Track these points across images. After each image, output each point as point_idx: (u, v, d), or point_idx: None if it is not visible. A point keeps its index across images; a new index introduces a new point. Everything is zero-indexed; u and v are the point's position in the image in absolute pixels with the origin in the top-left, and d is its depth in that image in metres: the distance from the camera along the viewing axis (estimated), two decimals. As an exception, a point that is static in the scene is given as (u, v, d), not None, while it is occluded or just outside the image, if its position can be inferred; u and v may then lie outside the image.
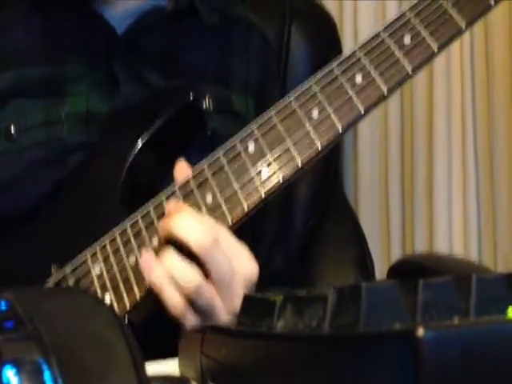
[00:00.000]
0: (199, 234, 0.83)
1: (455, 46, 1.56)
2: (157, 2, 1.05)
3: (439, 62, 1.57)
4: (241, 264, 0.84)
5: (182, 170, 0.90)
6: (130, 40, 1.03)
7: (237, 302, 0.82)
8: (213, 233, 0.83)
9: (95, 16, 1.02)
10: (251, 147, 0.88)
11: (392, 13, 1.49)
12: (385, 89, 0.86)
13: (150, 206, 0.89)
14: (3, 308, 0.43)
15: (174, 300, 0.82)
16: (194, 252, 0.82)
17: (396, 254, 1.63)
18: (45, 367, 0.40)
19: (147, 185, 0.95)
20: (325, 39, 1.45)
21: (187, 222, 0.84)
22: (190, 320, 0.83)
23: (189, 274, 0.82)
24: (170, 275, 0.82)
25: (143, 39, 1.03)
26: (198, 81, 1.03)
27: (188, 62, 1.05)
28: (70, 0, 1.02)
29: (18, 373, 0.40)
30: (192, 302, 0.83)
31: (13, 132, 0.97)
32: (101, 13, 1.03)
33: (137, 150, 0.94)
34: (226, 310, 0.83)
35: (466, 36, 1.56)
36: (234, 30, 1.10)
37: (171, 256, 0.83)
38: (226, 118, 1.03)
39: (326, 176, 1.42)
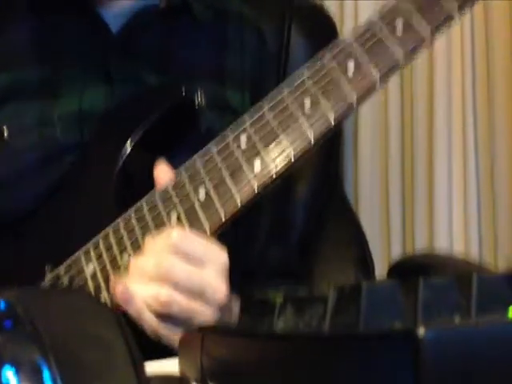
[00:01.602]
0: (147, 268, 0.82)
1: (456, 43, 1.55)
2: (149, 0, 1.05)
3: (440, 61, 1.57)
4: (209, 258, 0.83)
5: (162, 171, 0.90)
6: (124, 39, 1.03)
7: (220, 295, 0.82)
8: (161, 261, 0.82)
9: (93, 15, 1.02)
10: (243, 141, 0.88)
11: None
12: (377, 78, 0.85)
13: (142, 203, 0.89)
14: (2, 308, 0.43)
15: (146, 321, 0.81)
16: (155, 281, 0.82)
17: (396, 254, 1.63)
18: (44, 367, 0.40)
19: (141, 184, 0.95)
20: (325, 39, 1.44)
21: (133, 268, 0.83)
22: (164, 331, 0.82)
23: (152, 291, 0.81)
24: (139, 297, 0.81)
25: (137, 38, 1.03)
26: (192, 78, 1.03)
27: (182, 59, 1.05)
28: (68, 0, 1.03)
29: (17, 373, 0.40)
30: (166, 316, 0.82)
31: (6, 134, 0.97)
32: (98, 12, 1.03)
33: (128, 150, 0.93)
34: (210, 309, 0.82)
35: (467, 32, 1.56)
36: (228, 25, 1.10)
37: (133, 278, 0.83)
38: (221, 114, 1.03)
39: (326, 175, 1.42)
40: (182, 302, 0.81)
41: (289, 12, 1.40)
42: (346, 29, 1.62)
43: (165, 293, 0.81)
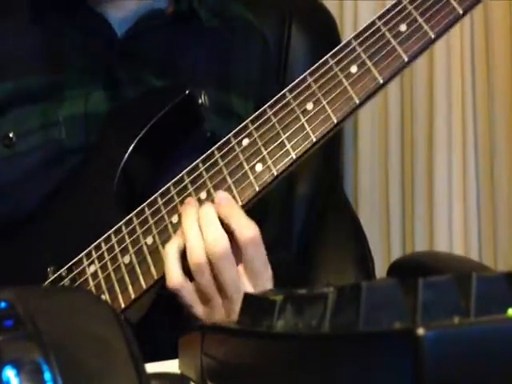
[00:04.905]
0: (247, 228, 0.83)
1: (456, 42, 1.56)
2: (155, 5, 1.05)
3: (439, 61, 1.57)
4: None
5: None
6: (129, 43, 1.03)
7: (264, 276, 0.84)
8: (254, 228, 0.83)
9: (97, 18, 1.02)
10: (245, 141, 0.88)
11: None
12: (380, 78, 0.85)
13: (144, 206, 0.89)
14: (3, 307, 0.43)
15: (195, 255, 0.82)
16: (240, 245, 0.82)
17: (396, 253, 1.63)
18: (45, 367, 0.40)
19: (143, 185, 0.95)
20: (325, 39, 1.44)
21: (240, 214, 0.84)
22: (206, 282, 0.83)
23: (218, 236, 0.82)
24: (199, 231, 0.82)
25: (143, 42, 1.03)
26: (197, 83, 1.02)
27: (187, 65, 1.05)
28: (72, 2, 1.02)
29: (18, 373, 0.40)
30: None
31: (12, 139, 0.97)
32: (103, 15, 1.03)
33: (129, 151, 0.93)
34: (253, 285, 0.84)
35: (467, 32, 1.56)
36: (233, 32, 1.10)
37: (210, 211, 0.83)
38: (226, 119, 1.03)
39: (326, 175, 1.42)
40: (235, 270, 0.83)
41: (289, 12, 1.40)
42: (346, 29, 1.62)
43: (224, 244, 0.82)
